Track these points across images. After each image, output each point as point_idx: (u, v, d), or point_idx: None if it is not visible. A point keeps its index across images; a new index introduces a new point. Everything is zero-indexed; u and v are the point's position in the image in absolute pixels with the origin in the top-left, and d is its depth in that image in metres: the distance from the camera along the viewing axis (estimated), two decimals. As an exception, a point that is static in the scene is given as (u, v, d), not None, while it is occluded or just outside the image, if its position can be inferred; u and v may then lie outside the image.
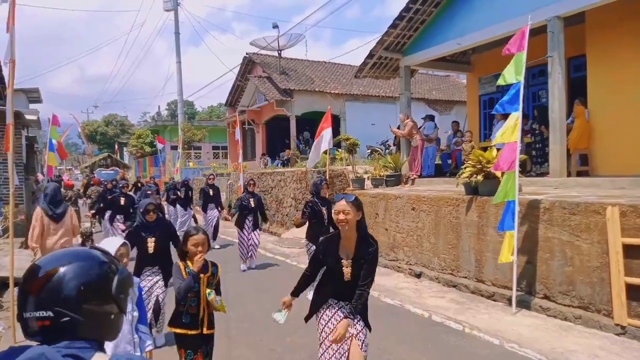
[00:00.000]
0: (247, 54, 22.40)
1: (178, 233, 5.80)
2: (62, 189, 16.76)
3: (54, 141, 10.96)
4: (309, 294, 6.72)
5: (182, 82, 27.60)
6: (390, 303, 6.27)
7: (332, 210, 3.18)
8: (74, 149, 79.32)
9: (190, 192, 12.94)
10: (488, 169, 6.68)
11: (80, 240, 7.75)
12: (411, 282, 7.54)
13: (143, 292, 4.73)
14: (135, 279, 3.19)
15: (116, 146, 50.24)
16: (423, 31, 10.56)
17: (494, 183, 6.52)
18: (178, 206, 12.78)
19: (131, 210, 9.91)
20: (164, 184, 20.67)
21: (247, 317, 5.88)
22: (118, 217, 10.32)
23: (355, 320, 3.16)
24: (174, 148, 28.45)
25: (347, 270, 3.13)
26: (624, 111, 8.09)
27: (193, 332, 3.39)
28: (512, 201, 5.82)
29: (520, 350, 4.69)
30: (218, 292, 3.52)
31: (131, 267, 4.38)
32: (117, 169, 33.44)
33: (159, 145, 26.72)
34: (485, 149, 7.33)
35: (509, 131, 6.05)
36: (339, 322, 3.09)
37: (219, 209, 11.17)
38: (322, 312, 3.29)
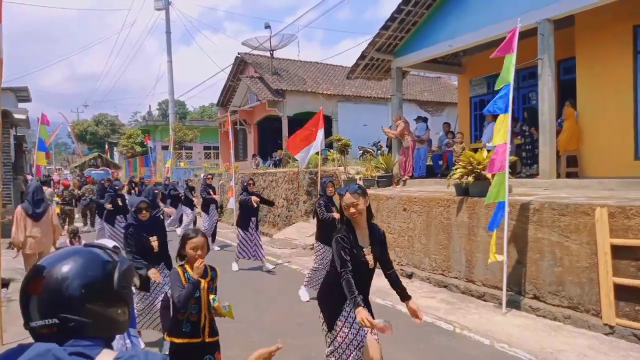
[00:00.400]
0: (239, 54, 22.34)
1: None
2: (55, 189, 16.62)
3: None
4: (302, 293, 6.75)
5: (174, 81, 27.49)
6: (381, 303, 6.28)
7: (342, 206, 3.14)
8: (63, 148, 78.65)
9: (192, 192, 12.90)
10: (479, 170, 6.73)
11: (67, 238, 7.70)
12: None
13: (152, 291, 4.70)
14: None
15: (106, 146, 49.85)
16: (415, 33, 10.61)
17: (485, 184, 6.57)
18: (183, 207, 12.78)
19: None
20: (160, 184, 20.57)
21: (240, 317, 5.84)
22: (118, 217, 10.22)
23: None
24: (165, 148, 28.30)
25: (369, 258, 3.12)
26: (613, 113, 8.20)
27: (194, 340, 3.19)
28: (503, 202, 5.87)
29: (510, 350, 4.72)
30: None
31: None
32: (108, 169, 33.19)
33: (150, 144, 26.55)
34: (476, 151, 7.38)
35: (500, 133, 6.10)
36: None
37: (220, 209, 11.17)
38: (346, 310, 3.13)
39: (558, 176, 8.10)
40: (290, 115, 19.61)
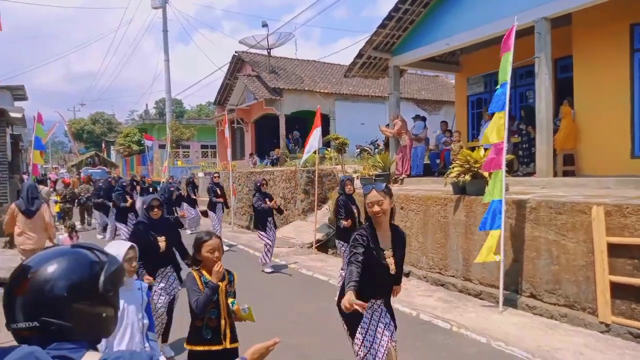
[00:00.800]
0: (236, 52, 22.29)
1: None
2: (51, 188, 16.56)
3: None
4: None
5: (171, 80, 27.39)
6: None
7: (366, 203, 3.02)
8: (60, 147, 78.39)
9: (196, 190, 12.84)
10: (476, 169, 6.73)
11: (66, 234, 7.75)
12: (399, 281, 7.56)
13: (160, 296, 4.54)
14: (143, 284, 3.03)
15: (103, 145, 49.68)
16: (412, 31, 10.60)
17: (482, 183, 6.58)
18: (185, 205, 12.75)
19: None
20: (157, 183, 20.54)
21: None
22: (130, 215, 10.19)
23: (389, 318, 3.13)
24: (162, 147, 28.23)
25: (391, 261, 3.00)
26: (609, 111, 8.21)
27: (216, 347, 3.03)
28: (498, 200, 5.87)
29: (507, 348, 4.73)
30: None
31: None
32: (105, 167, 33.11)
33: (148, 143, 26.46)
34: (473, 149, 7.39)
35: (496, 131, 6.10)
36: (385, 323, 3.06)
37: (228, 207, 11.13)
38: (369, 316, 3.02)
39: (555, 174, 8.12)
40: (287, 113, 19.58)
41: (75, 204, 15.03)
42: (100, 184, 13.64)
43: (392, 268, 3.01)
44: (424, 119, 12.37)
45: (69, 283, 1.10)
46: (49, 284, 1.09)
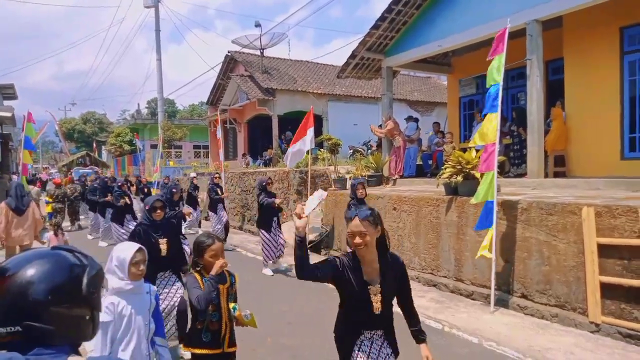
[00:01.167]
0: (229, 52, 22.23)
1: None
2: (39, 187, 16.39)
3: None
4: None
5: (163, 79, 27.27)
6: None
7: (347, 232, 2.50)
8: (50, 147, 77.72)
9: (196, 191, 12.77)
10: (467, 170, 6.77)
11: (51, 231, 7.71)
12: (392, 282, 7.57)
13: (161, 301, 4.37)
14: (152, 288, 2.98)
15: (94, 144, 49.30)
16: (405, 32, 10.64)
17: (474, 183, 6.61)
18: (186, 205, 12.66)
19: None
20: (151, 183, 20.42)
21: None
22: (127, 216, 10.08)
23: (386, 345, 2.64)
24: (154, 147, 28.08)
25: (375, 299, 2.47)
26: (600, 113, 8.29)
27: (214, 351, 2.99)
28: (491, 201, 5.91)
29: (498, 348, 4.76)
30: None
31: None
32: (96, 167, 32.83)
33: (139, 143, 26.32)
34: (465, 150, 7.43)
35: (488, 133, 6.14)
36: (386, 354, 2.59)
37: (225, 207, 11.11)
38: (358, 348, 2.57)
39: (546, 176, 8.18)
40: (280, 114, 19.56)
41: (69, 204, 14.90)
42: (96, 184, 13.51)
43: (377, 307, 2.47)
44: (416, 120, 12.41)
45: (50, 286, 1.08)
46: (30, 287, 1.06)
